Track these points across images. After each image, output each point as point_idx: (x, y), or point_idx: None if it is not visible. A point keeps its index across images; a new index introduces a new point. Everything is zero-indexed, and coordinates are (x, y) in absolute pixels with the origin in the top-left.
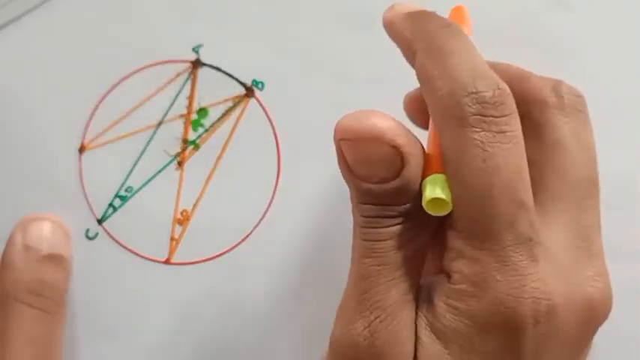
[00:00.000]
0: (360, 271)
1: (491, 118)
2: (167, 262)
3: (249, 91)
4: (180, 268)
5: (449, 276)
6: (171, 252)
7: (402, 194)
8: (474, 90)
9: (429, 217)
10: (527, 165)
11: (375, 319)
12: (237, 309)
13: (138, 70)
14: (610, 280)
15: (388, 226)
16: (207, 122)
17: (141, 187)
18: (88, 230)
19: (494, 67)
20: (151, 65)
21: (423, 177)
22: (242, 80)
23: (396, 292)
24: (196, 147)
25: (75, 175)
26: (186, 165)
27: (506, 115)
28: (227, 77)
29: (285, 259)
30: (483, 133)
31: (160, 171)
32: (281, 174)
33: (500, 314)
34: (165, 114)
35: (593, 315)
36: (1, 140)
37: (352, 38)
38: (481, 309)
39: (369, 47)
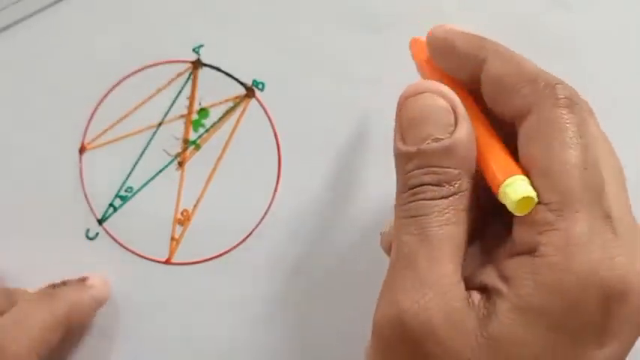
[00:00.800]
0: (402, 248)
1: (579, 105)
2: (167, 262)
3: (249, 92)
4: (181, 268)
5: (533, 251)
6: (171, 252)
7: (452, 156)
8: (559, 82)
9: (473, 203)
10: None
11: (423, 296)
12: (237, 309)
13: (138, 71)
14: None
15: (431, 199)
16: (207, 122)
17: (141, 188)
18: (88, 230)
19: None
20: (151, 65)
21: (493, 186)
22: (242, 80)
23: (441, 270)
24: (197, 147)
25: (75, 176)
26: (186, 165)
27: (586, 105)
28: (227, 77)
29: (285, 259)
30: (575, 115)
31: (160, 171)
32: (281, 174)
33: (594, 286)
34: (166, 114)
35: None
36: (1, 140)
37: (352, 38)
38: (575, 281)
39: (369, 47)
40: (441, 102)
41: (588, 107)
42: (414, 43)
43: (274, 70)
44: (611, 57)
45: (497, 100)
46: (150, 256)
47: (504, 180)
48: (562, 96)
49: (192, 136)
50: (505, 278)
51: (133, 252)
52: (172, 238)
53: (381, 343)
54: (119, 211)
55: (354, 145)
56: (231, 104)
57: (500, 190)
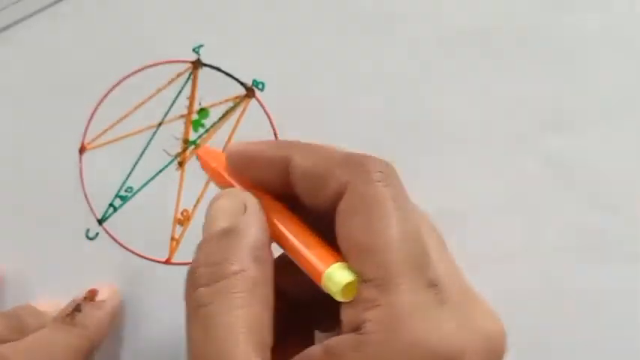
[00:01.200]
0: (190, 345)
1: (392, 179)
2: (167, 262)
3: (249, 92)
4: (181, 268)
5: (359, 329)
6: (171, 252)
7: (232, 239)
8: (371, 158)
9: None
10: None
11: None
12: None
13: (138, 71)
14: (499, 318)
15: (205, 285)
16: (207, 122)
17: (141, 188)
18: (88, 230)
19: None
20: (151, 65)
21: (316, 280)
22: (242, 80)
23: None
24: (197, 147)
25: (75, 176)
26: (186, 165)
27: (396, 177)
28: (227, 77)
29: None
30: (390, 188)
31: (160, 171)
32: None
33: (420, 357)
34: (166, 114)
35: (494, 353)
36: (1, 140)
37: (352, 38)
38: (399, 355)
39: (369, 48)
40: (231, 198)
41: (397, 179)
42: (203, 155)
43: (274, 70)
44: (611, 57)
45: (311, 193)
46: (150, 256)
47: (323, 271)
48: (375, 171)
49: (193, 136)
50: (330, 355)
51: (133, 252)
52: (172, 238)
53: None
54: (119, 211)
55: (354, 145)
56: (231, 104)
57: (322, 283)
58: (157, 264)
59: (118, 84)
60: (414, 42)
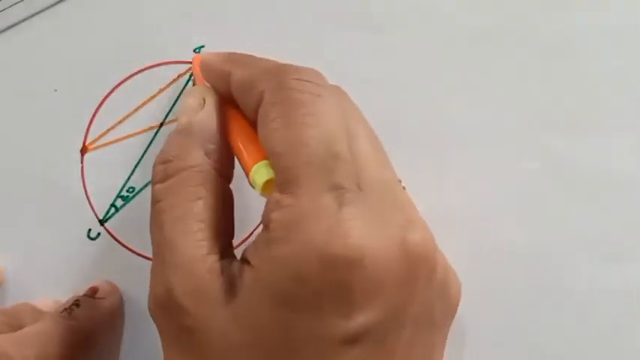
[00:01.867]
0: (152, 238)
1: (310, 84)
2: None
3: None
4: None
5: (267, 227)
6: None
7: (187, 135)
8: (294, 67)
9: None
10: (342, 123)
11: (167, 278)
12: None
13: (139, 71)
14: (427, 229)
15: (159, 182)
16: None
17: (143, 188)
18: (89, 230)
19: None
20: (152, 66)
21: (247, 175)
22: None
23: (180, 249)
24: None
25: (77, 176)
26: None
27: (322, 85)
28: None
29: None
30: (305, 93)
31: None
32: None
33: (315, 257)
34: (167, 115)
35: (411, 261)
36: (3, 141)
37: (352, 38)
38: (294, 254)
39: (369, 48)
40: (192, 98)
41: (322, 88)
42: (195, 59)
43: None
44: (611, 57)
45: (243, 102)
46: (151, 256)
47: (252, 167)
48: (290, 78)
49: None
50: (254, 249)
51: (134, 252)
52: None
53: (157, 326)
54: (121, 212)
55: None
56: None
57: (250, 178)
58: None
59: (119, 85)
60: (414, 42)
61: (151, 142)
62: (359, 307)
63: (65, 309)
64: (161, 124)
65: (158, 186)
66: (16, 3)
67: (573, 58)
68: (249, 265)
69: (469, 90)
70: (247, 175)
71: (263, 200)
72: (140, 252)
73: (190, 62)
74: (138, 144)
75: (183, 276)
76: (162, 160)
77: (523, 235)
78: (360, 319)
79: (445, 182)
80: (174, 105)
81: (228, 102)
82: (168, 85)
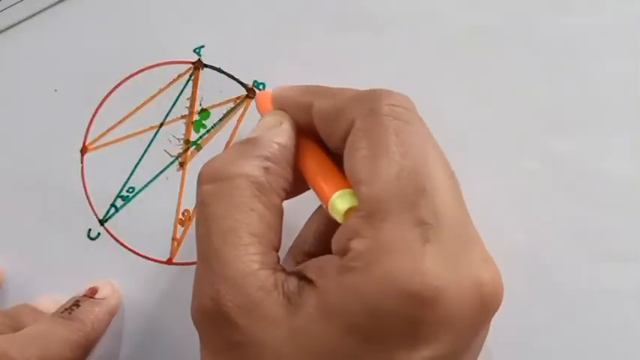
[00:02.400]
0: (198, 245)
1: (401, 112)
2: (169, 262)
3: (250, 92)
4: (182, 269)
5: (344, 254)
6: (173, 252)
7: (255, 147)
8: (384, 92)
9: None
10: (434, 156)
11: (217, 291)
12: None
13: (139, 71)
14: (497, 267)
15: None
16: (208, 123)
17: (143, 188)
18: (89, 230)
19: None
20: (152, 66)
21: (324, 201)
22: (243, 81)
23: (232, 262)
24: (198, 147)
25: (77, 176)
26: (188, 166)
27: (412, 111)
28: (228, 78)
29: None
30: (396, 121)
31: (161, 171)
32: None
33: (395, 292)
34: (167, 115)
35: (485, 301)
36: (3, 141)
37: (352, 38)
38: (374, 287)
39: (370, 49)
40: (270, 118)
41: (413, 113)
42: (261, 96)
43: (275, 71)
44: (611, 57)
45: (328, 133)
46: (151, 257)
47: (332, 194)
48: (384, 104)
49: (194, 136)
50: (320, 271)
51: (134, 252)
52: (174, 239)
53: (200, 335)
54: (121, 212)
55: None
56: (232, 105)
57: (330, 205)
58: (159, 264)
59: (119, 85)
60: (414, 42)
61: (151, 142)
62: (426, 341)
63: (65, 309)
64: (161, 124)
65: (207, 187)
66: (16, 3)
67: (573, 58)
68: (312, 286)
69: (469, 90)
70: (325, 202)
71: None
72: (140, 252)
73: (190, 62)
74: (138, 144)
75: (233, 290)
76: (215, 162)
77: (523, 235)
78: (425, 353)
79: None
80: (174, 105)
81: (305, 134)
82: (168, 85)
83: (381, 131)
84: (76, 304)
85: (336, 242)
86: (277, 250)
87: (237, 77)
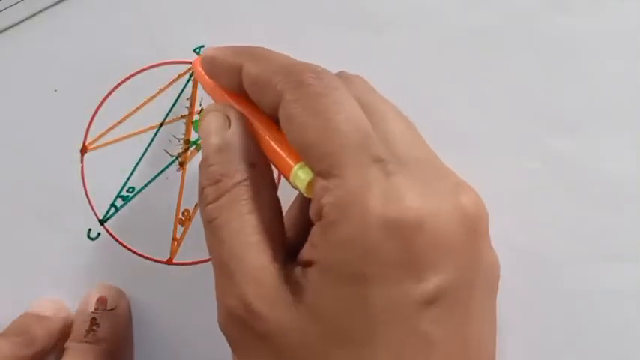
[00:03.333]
0: (212, 254)
1: (326, 79)
2: (169, 262)
3: None
4: (182, 269)
5: (320, 217)
6: (172, 252)
7: (224, 153)
8: (309, 65)
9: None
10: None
11: (240, 291)
12: None
13: (139, 71)
14: (473, 189)
15: (213, 201)
16: None
17: (143, 188)
18: (89, 230)
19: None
20: (152, 66)
21: (285, 177)
22: None
23: (245, 262)
24: (198, 147)
25: (77, 176)
26: (188, 165)
27: (335, 78)
28: None
29: None
30: (325, 89)
31: (161, 171)
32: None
33: (376, 227)
34: (167, 115)
35: (470, 222)
36: (2, 141)
37: (352, 38)
38: (355, 229)
39: (370, 49)
40: (215, 115)
41: (339, 83)
42: (196, 64)
43: None
44: (611, 57)
45: (259, 98)
46: (151, 257)
47: (290, 170)
48: (308, 75)
49: (194, 136)
50: (313, 247)
51: (134, 252)
52: (174, 239)
53: (230, 339)
54: (121, 212)
55: None
56: None
57: (290, 180)
58: (159, 264)
59: (119, 85)
60: (414, 42)
61: (151, 142)
62: (430, 268)
63: (87, 331)
64: (161, 124)
65: (211, 206)
66: (16, 3)
67: (573, 58)
68: (310, 264)
69: (469, 90)
70: (287, 179)
71: None
72: (140, 252)
73: (190, 62)
74: (138, 144)
75: (254, 284)
76: (211, 182)
77: (523, 235)
78: (435, 280)
79: None
80: (174, 105)
81: (238, 95)
82: (168, 85)
83: (312, 97)
84: (95, 323)
85: (311, 211)
86: (284, 241)
87: None
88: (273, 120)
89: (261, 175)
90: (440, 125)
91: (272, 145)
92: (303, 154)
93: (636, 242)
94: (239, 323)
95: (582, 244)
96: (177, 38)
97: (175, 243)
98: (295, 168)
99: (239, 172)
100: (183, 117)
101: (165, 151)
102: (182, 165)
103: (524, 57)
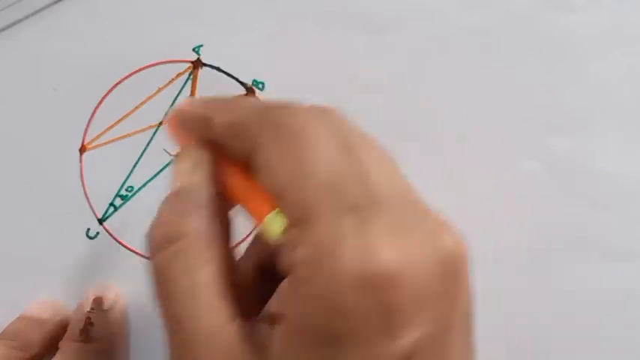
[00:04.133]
0: (162, 316)
1: (300, 116)
2: None
3: (249, 92)
4: None
5: (291, 270)
6: None
7: (186, 200)
8: (278, 107)
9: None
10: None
11: (193, 355)
12: None
13: (138, 70)
14: (454, 227)
15: (169, 260)
16: None
17: (142, 187)
18: (88, 230)
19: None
20: (151, 65)
21: (258, 225)
22: (242, 80)
23: (196, 324)
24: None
25: (76, 175)
26: None
27: (309, 112)
28: (227, 77)
29: None
30: (294, 127)
31: (160, 170)
32: None
33: (348, 284)
34: (166, 114)
35: (448, 265)
36: (2, 140)
37: (352, 38)
38: (326, 288)
39: (370, 48)
40: (184, 161)
41: (312, 110)
42: (169, 121)
43: (274, 70)
44: (611, 57)
45: (233, 145)
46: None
47: (264, 218)
48: (280, 114)
49: None
50: (282, 303)
51: (133, 251)
52: None
53: None
54: (120, 211)
55: None
56: None
57: (265, 230)
58: None
59: (118, 84)
60: (414, 42)
61: (149, 142)
62: (407, 324)
63: (81, 331)
64: (160, 123)
65: (159, 255)
66: (15, 3)
67: (573, 58)
68: (277, 321)
69: (469, 90)
70: (260, 227)
71: None
72: (139, 251)
73: (189, 61)
74: (137, 143)
75: (206, 350)
76: (161, 225)
77: (523, 235)
78: (412, 335)
79: (445, 182)
80: (173, 104)
81: (211, 148)
82: (167, 85)
83: (284, 140)
84: (89, 322)
85: (282, 263)
86: (241, 295)
87: (236, 76)
88: (249, 167)
89: (221, 224)
90: (440, 125)
91: (246, 191)
92: (277, 199)
93: (636, 242)
94: None
95: (582, 244)
96: (176, 37)
97: None
98: (270, 215)
99: (194, 221)
100: None
101: (165, 150)
102: None
103: (524, 57)
